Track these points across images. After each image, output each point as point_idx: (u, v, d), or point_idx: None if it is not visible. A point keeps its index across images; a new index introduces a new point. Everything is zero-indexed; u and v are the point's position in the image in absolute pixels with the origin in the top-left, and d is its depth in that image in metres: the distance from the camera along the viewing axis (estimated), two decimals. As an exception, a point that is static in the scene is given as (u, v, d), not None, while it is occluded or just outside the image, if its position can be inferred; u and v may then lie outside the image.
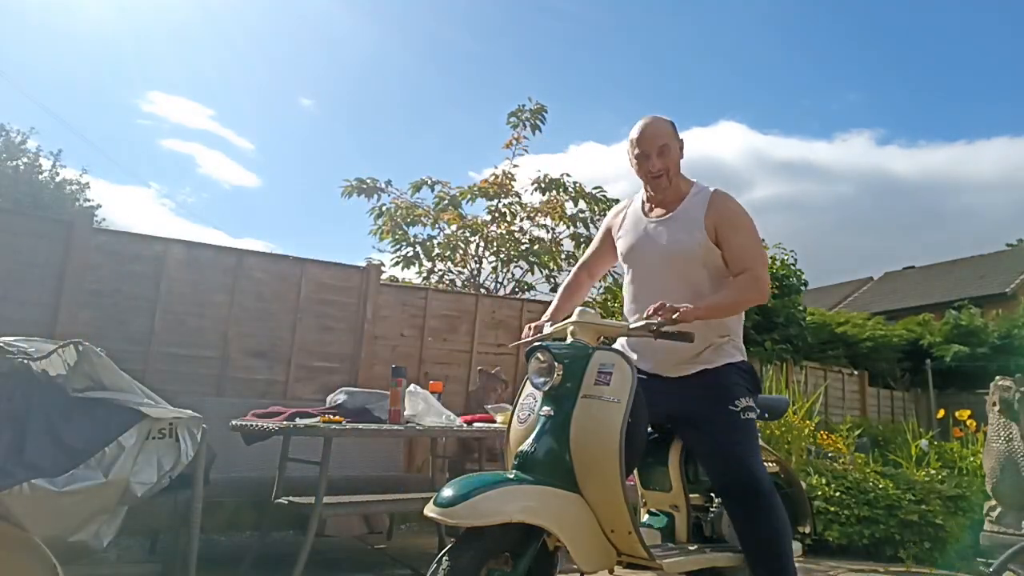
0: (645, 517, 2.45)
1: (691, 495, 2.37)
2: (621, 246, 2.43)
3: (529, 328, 2.38)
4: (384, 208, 7.75)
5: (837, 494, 4.86)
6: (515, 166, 7.91)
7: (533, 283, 7.85)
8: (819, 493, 4.88)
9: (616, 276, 6.87)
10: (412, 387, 3.47)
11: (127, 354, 3.99)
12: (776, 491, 2.23)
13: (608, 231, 2.54)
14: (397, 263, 7.64)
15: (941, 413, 8.24)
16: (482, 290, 7.45)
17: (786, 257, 10.48)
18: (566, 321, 2.19)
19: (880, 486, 4.91)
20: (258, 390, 4.68)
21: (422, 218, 7.70)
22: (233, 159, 51.47)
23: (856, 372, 11.63)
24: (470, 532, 1.78)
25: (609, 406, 1.97)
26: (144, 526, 3.11)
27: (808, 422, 5.95)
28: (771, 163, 69.84)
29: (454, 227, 7.66)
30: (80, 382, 2.45)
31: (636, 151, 2.29)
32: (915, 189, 69.41)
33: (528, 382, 2.17)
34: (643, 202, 2.42)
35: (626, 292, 2.44)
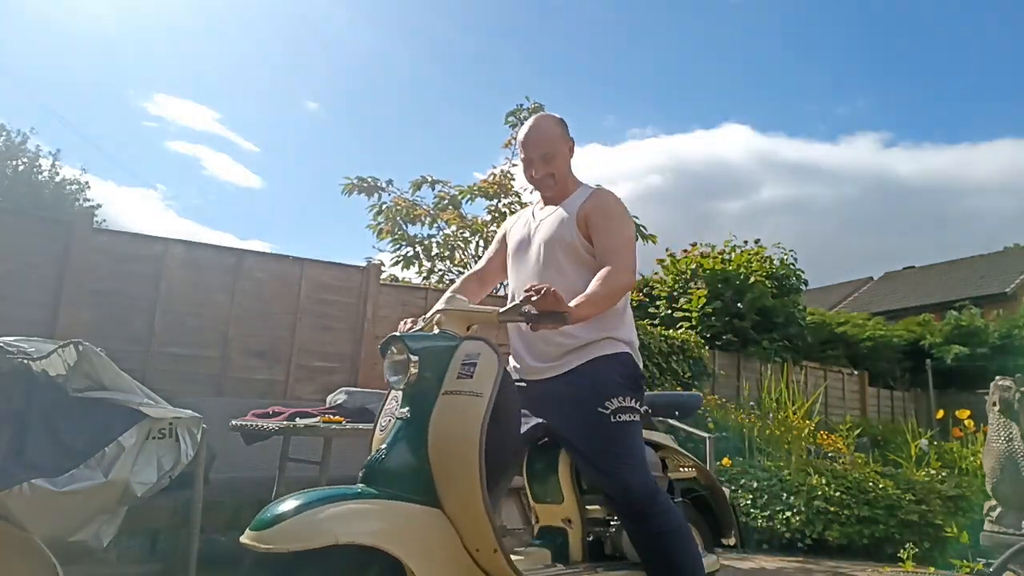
0: (536, 533, 2.24)
1: (589, 507, 2.16)
2: (510, 246, 2.35)
3: (404, 323, 2.14)
4: (384, 207, 7.75)
5: (837, 494, 4.86)
6: (514, 165, 7.92)
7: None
8: (819, 493, 4.88)
9: None
10: (412, 387, 3.46)
11: (127, 354, 3.98)
12: (663, 499, 2.02)
13: (503, 236, 2.44)
14: (397, 263, 7.65)
15: (941, 413, 8.25)
16: (482, 290, 7.44)
17: (785, 257, 10.49)
18: (433, 310, 1.97)
19: (880, 486, 4.92)
20: (258, 390, 4.68)
21: (422, 217, 7.70)
22: (238, 161, 51.70)
23: (856, 372, 11.63)
24: (300, 556, 1.46)
25: (469, 401, 1.69)
26: (144, 526, 3.11)
27: (808, 422, 5.96)
28: (777, 165, 70.03)
29: (454, 227, 7.66)
30: (80, 382, 2.45)
31: (521, 155, 2.25)
32: (918, 191, 69.60)
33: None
34: (536, 206, 2.39)
35: (509, 293, 2.35)
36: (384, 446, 1.74)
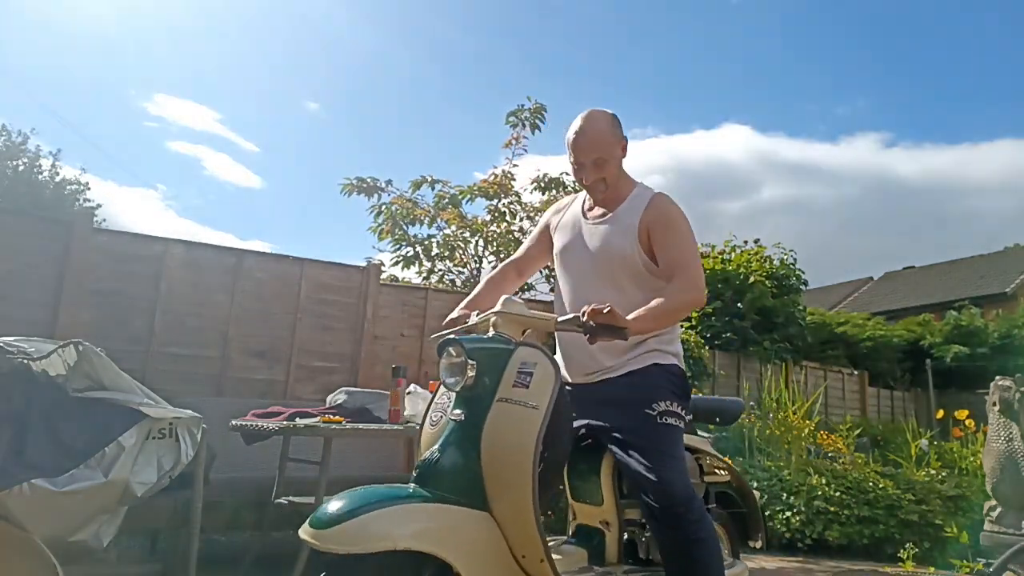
0: (573, 531, 2.26)
1: (627, 510, 2.16)
2: (556, 244, 2.29)
3: (457, 315, 2.14)
4: (384, 207, 7.75)
5: (837, 494, 4.86)
6: (515, 165, 7.92)
7: (533, 283, 7.84)
8: (819, 493, 4.88)
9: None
10: (412, 387, 3.47)
11: (127, 354, 3.98)
12: (699, 506, 2.00)
13: (546, 227, 2.38)
14: (397, 263, 7.65)
15: (941, 413, 8.25)
16: (482, 290, 7.43)
17: (785, 257, 10.48)
18: (489, 312, 1.95)
19: (880, 486, 4.91)
20: (258, 390, 4.68)
21: (422, 217, 7.70)
22: (239, 161, 51.80)
23: (856, 372, 11.63)
24: (351, 556, 1.50)
25: (525, 412, 1.71)
26: (144, 526, 3.11)
27: (808, 422, 5.96)
28: (777, 165, 70.13)
29: (453, 227, 7.66)
30: (80, 382, 2.45)
31: (571, 158, 2.15)
32: (919, 191, 69.72)
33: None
34: (584, 201, 2.29)
35: (557, 294, 2.32)
36: (437, 447, 1.76)
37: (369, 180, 7.74)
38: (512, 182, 7.86)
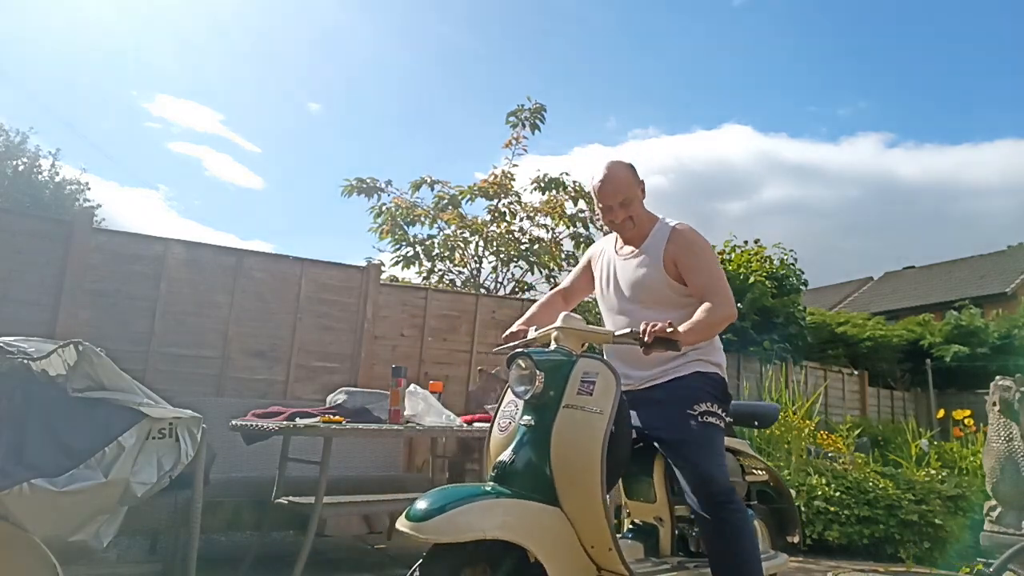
0: (628, 528, 2.40)
1: (677, 507, 2.31)
2: (597, 281, 2.55)
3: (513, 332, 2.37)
4: (384, 207, 7.75)
5: (837, 494, 4.86)
6: (515, 165, 7.92)
7: (533, 283, 7.84)
8: (819, 493, 4.88)
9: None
10: (412, 387, 3.47)
11: (127, 354, 3.99)
12: (738, 498, 2.15)
13: (588, 263, 2.64)
14: (397, 263, 7.65)
15: (941, 413, 8.25)
16: (482, 290, 7.45)
17: (785, 257, 10.48)
18: (550, 327, 2.15)
19: (880, 486, 4.91)
20: (258, 390, 4.68)
21: (422, 217, 7.70)
22: (240, 162, 51.86)
23: (856, 372, 11.63)
24: (443, 545, 1.72)
25: (591, 417, 1.91)
26: (144, 526, 3.11)
27: (808, 422, 5.95)
28: (778, 166, 70.17)
29: (453, 227, 7.66)
30: (80, 382, 2.45)
31: (599, 204, 2.40)
32: (919, 191, 69.75)
33: (509, 389, 2.12)
34: (615, 241, 2.52)
35: (604, 320, 2.54)
36: (510, 450, 1.95)
37: (369, 180, 7.75)
38: (512, 182, 7.86)
